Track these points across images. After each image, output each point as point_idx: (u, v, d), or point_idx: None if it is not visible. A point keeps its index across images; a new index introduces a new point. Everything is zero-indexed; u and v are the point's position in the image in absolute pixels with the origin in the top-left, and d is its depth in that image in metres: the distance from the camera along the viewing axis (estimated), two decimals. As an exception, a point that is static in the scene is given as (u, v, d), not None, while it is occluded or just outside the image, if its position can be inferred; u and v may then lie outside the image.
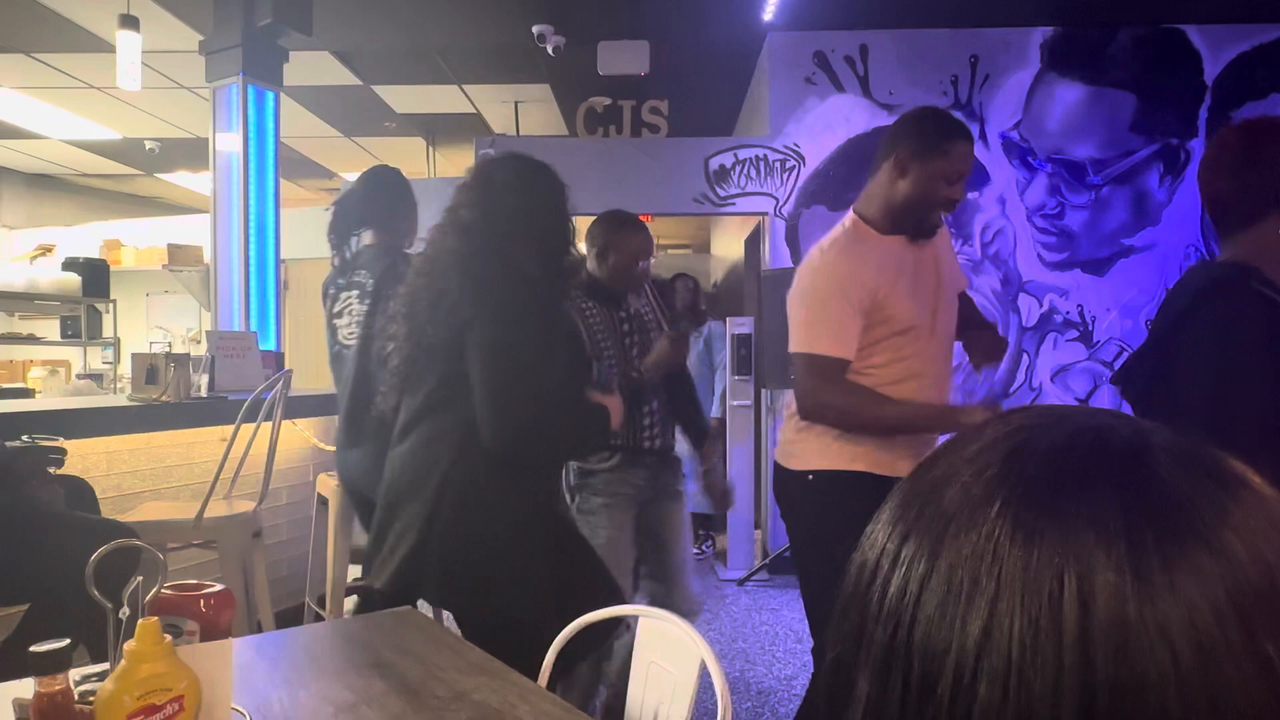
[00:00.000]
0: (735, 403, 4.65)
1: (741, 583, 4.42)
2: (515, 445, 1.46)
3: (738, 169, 4.78)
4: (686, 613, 2.47)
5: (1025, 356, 4.71)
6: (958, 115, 5.04)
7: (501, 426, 1.43)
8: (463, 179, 1.70)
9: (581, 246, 2.41)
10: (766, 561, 4.48)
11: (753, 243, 5.32)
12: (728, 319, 4.74)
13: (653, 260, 2.44)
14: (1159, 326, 1.46)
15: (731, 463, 4.58)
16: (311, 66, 5.24)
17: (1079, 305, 4.69)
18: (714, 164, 4.78)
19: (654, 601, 2.39)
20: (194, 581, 0.92)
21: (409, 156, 7.45)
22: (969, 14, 4.55)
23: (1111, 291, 4.68)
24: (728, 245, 7.09)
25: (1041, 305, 4.71)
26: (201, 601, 0.86)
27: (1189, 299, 1.35)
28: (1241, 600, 0.27)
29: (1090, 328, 4.68)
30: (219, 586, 0.91)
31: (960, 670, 0.28)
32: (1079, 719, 0.26)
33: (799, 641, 3.47)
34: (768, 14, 4.37)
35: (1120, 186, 4.69)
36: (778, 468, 1.81)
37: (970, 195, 4.71)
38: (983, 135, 4.71)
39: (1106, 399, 4.62)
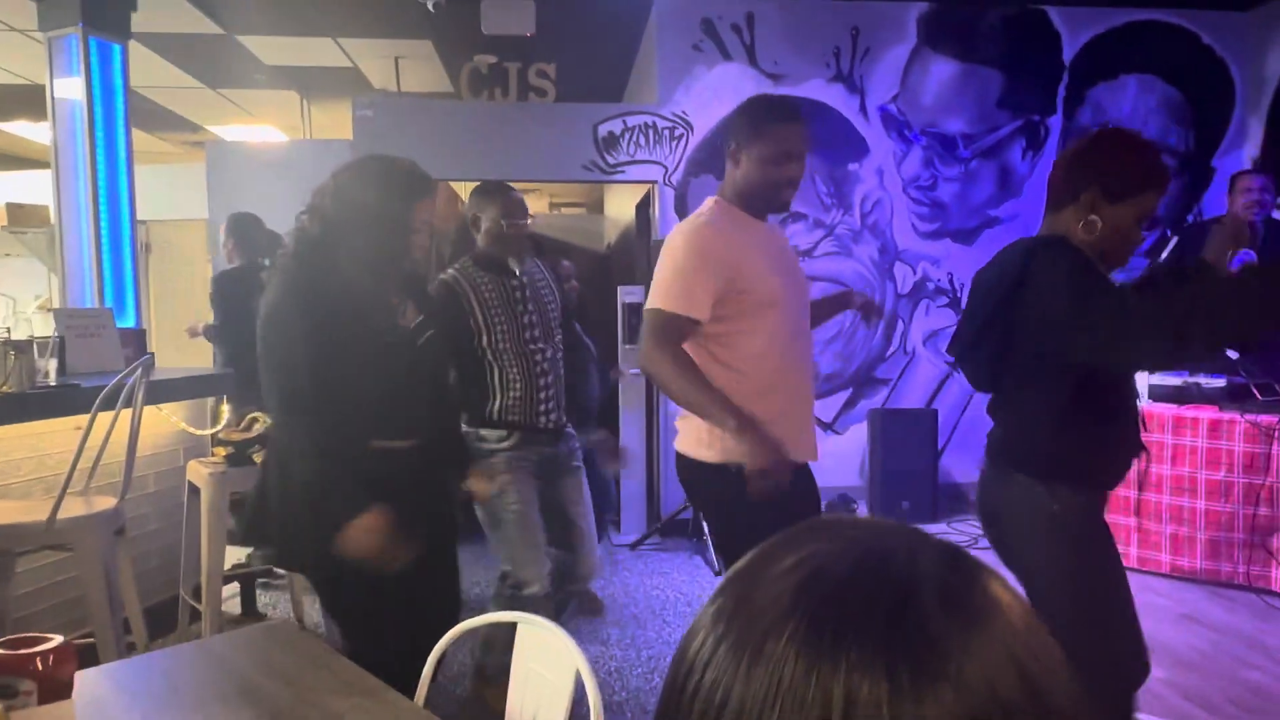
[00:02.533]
0: (627, 370, 4.69)
1: (634, 547, 4.52)
2: (274, 413, 1.73)
3: (627, 136, 4.75)
4: (588, 575, 2.56)
5: (900, 322, 4.95)
6: (839, 88, 5.15)
7: (266, 396, 1.70)
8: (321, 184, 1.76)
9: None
10: (658, 526, 4.59)
11: (644, 209, 5.32)
12: (618, 288, 4.75)
13: (529, 221, 2.46)
14: (987, 298, 1.62)
15: (624, 429, 4.64)
16: (167, 12, 4.82)
17: (949, 273, 4.95)
18: (603, 130, 4.73)
19: (561, 569, 2.46)
20: (30, 635, 0.86)
21: (282, 111, 7.02)
22: (851, -14, 4.64)
23: (979, 260, 4.89)
24: (621, 206, 7.06)
25: (915, 273, 4.95)
26: (38, 659, 0.81)
27: (1020, 263, 1.53)
28: None
29: (959, 294, 4.96)
30: (57, 640, 0.86)
31: None
32: None
33: (689, 605, 3.60)
34: (655, -21, 4.32)
35: (987, 160, 4.95)
36: (680, 455, 1.85)
37: (851, 166, 4.86)
38: (863, 108, 4.85)
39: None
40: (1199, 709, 2.31)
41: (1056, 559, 1.55)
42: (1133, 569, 3.42)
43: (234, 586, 3.36)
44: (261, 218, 3.85)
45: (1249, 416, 3.18)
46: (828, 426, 4.90)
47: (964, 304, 5.23)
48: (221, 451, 2.85)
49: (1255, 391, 3.30)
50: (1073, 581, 1.55)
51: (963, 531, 4.20)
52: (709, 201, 1.87)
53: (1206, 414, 3.29)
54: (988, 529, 1.69)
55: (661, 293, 1.71)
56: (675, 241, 1.76)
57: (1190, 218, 4.96)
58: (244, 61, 5.87)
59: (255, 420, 2.88)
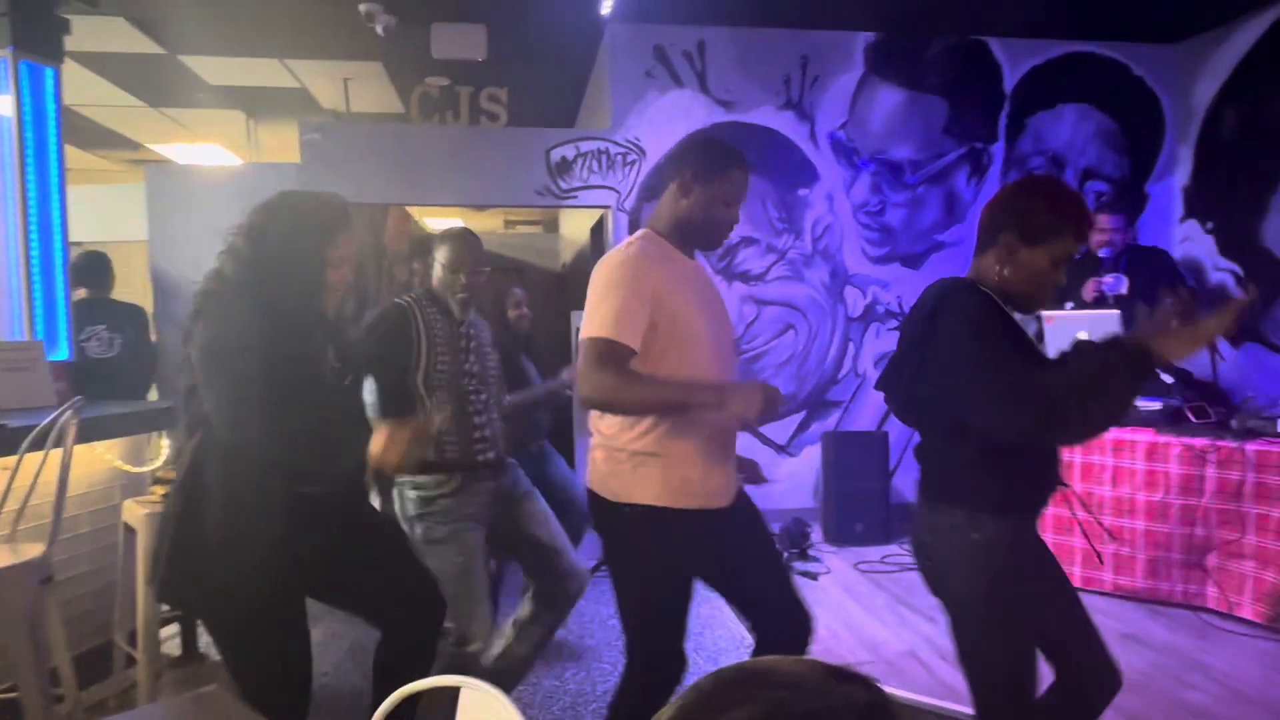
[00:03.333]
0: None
1: (592, 572, 4.47)
2: (234, 439, 1.64)
3: (580, 161, 4.75)
4: (577, 589, 2.50)
5: (851, 345, 5.02)
6: (789, 115, 5.23)
7: (220, 424, 1.63)
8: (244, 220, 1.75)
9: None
10: (614, 552, 4.55)
11: (598, 232, 5.32)
12: (572, 313, 4.73)
13: (484, 275, 2.40)
14: (903, 335, 1.68)
15: (579, 452, 4.61)
16: (105, 32, 4.70)
17: (898, 296, 5.05)
18: (555, 155, 4.73)
19: (547, 597, 2.43)
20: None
21: (228, 131, 6.87)
22: (800, 15, 4.72)
23: (925, 284, 5.04)
24: (577, 225, 7.06)
25: (865, 297, 5.03)
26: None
27: (932, 304, 1.59)
28: None
29: (908, 317, 5.05)
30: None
31: None
32: None
33: (644, 634, 3.57)
34: (605, 8, 4.34)
35: (933, 186, 5.06)
36: (591, 494, 1.83)
37: (801, 192, 4.93)
38: (813, 135, 4.93)
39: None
40: (1141, 732, 2.37)
41: (977, 587, 1.58)
42: (1078, 589, 3.50)
43: (174, 627, 3.24)
44: (207, 242, 3.76)
45: (1183, 439, 3.28)
46: (781, 449, 4.93)
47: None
48: (159, 490, 2.75)
49: (1189, 414, 3.41)
50: (991, 608, 1.57)
51: (914, 553, 4.26)
52: (639, 232, 1.85)
53: (1144, 437, 3.39)
54: (918, 559, 1.72)
55: (598, 321, 1.68)
56: (607, 270, 1.74)
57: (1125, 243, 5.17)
58: (186, 81, 5.74)
59: (195, 457, 2.79)
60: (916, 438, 1.73)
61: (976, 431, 1.53)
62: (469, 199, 4.78)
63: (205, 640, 3.35)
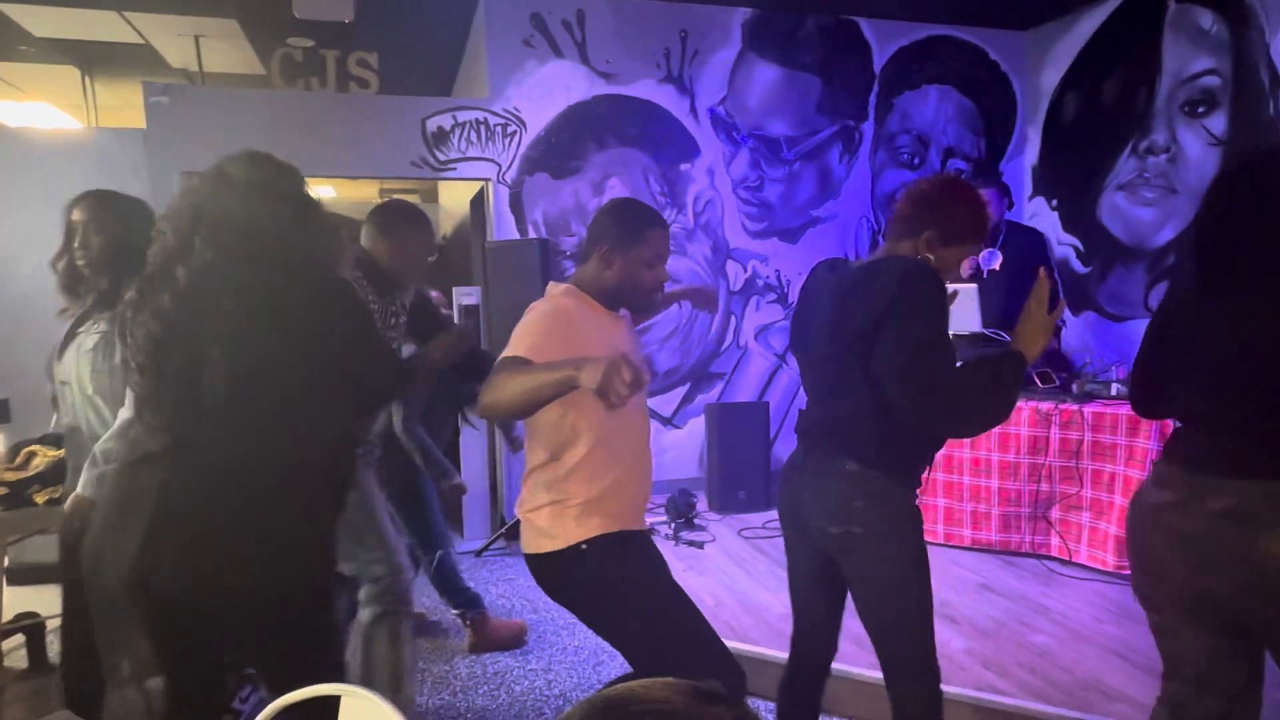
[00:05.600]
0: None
1: (479, 554, 4.44)
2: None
3: (457, 132, 4.60)
4: (401, 569, 2.40)
5: (733, 318, 5.14)
6: (670, 89, 5.22)
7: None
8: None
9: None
10: (503, 530, 4.52)
11: (479, 205, 5.19)
12: (454, 289, 4.61)
13: (430, 258, 2.41)
14: (858, 308, 1.68)
15: (464, 436, 4.53)
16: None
17: (777, 270, 5.20)
18: (432, 125, 4.56)
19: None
20: None
21: (61, 89, 6.23)
22: (679, -12, 4.71)
23: (803, 257, 5.23)
24: (457, 197, 6.84)
25: (746, 271, 5.15)
26: None
27: (896, 284, 1.61)
28: None
29: (786, 290, 5.22)
30: None
31: None
32: None
33: (535, 612, 3.58)
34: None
35: (809, 163, 5.22)
36: (534, 559, 1.82)
37: (683, 167, 4.97)
38: (693, 109, 4.96)
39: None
40: (995, 675, 2.58)
41: (914, 545, 1.72)
42: (941, 544, 3.77)
43: (18, 639, 2.98)
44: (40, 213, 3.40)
45: (1032, 403, 3.57)
46: (667, 421, 5.02)
47: (792, 300, 5.51)
48: (41, 496, 2.49)
49: (1036, 380, 3.70)
50: (921, 569, 1.72)
51: (794, 517, 4.45)
52: (562, 287, 1.85)
53: (998, 401, 3.66)
54: (830, 526, 1.74)
55: (509, 347, 1.69)
56: (529, 320, 1.75)
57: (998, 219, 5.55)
58: (8, 32, 5.14)
59: (34, 455, 2.55)
60: (797, 404, 1.80)
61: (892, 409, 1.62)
62: (338, 171, 4.54)
63: (55, 650, 3.11)
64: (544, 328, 1.71)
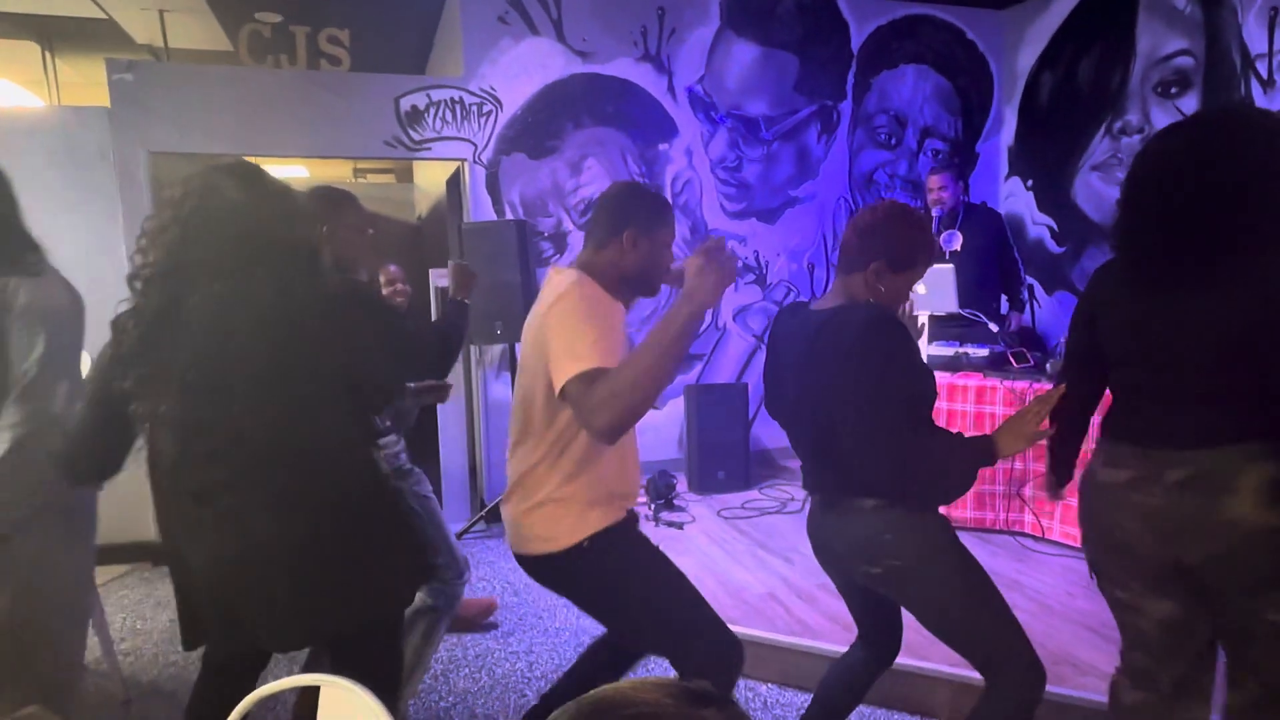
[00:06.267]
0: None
1: (459, 536, 4.43)
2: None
3: (432, 111, 4.53)
4: (462, 572, 2.54)
5: (712, 299, 5.13)
6: (647, 67, 5.17)
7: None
8: None
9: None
10: (483, 513, 4.52)
11: (455, 185, 5.12)
12: (430, 270, 4.56)
13: (365, 234, 2.32)
14: (825, 365, 1.67)
15: (440, 410, 4.50)
16: None
17: (756, 251, 5.19)
18: (405, 104, 4.48)
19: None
20: None
21: (19, 66, 6.05)
22: (656, -35, 4.65)
23: (781, 238, 5.24)
24: (432, 176, 6.75)
25: (724, 251, 5.13)
26: None
27: (855, 335, 1.61)
28: None
29: (765, 271, 5.22)
30: None
31: None
32: None
33: (515, 595, 3.58)
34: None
35: (787, 142, 5.20)
36: (532, 559, 1.80)
37: (661, 147, 4.94)
38: (671, 88, 4.92)
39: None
40: (970, 651, 2.63)
41: (951, 566, 1.71)
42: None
43: None
44: None
45: (1007, 383, 3.61)
46: (647, 402, 5.02)
47: (770, 280, 5.49)
48: None
49: (1011, 359, 3.74)
50: (969, 583, 1.71)
51: (771, 497, 4.48)
52: (573, 274, 1.76)
53: (974, 381, 3.69)
54: (864, 564, 1.73)
55: (582, 352, 1.57)
56: (568, 305, 1.66)
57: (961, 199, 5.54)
58: (-38, 5, 4.97)
59: None
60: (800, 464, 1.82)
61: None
62: (309, 150, 4.46)
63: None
64: (601, 330, 1.62)
